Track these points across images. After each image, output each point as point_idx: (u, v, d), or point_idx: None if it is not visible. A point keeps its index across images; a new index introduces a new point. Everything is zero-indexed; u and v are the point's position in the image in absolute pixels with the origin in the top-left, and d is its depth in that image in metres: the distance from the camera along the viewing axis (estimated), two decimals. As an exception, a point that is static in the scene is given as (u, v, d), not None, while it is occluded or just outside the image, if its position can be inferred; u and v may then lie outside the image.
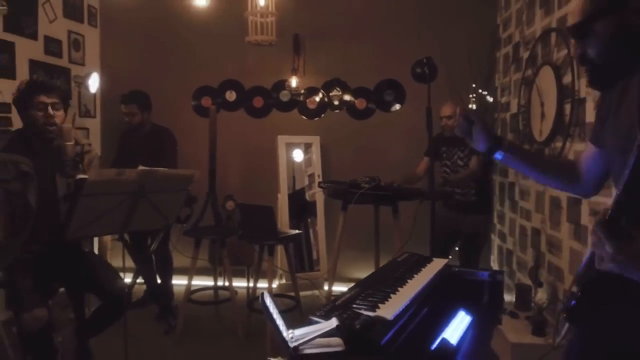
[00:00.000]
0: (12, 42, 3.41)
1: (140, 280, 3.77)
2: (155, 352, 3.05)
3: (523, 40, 3.56)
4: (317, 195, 4.21)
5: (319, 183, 3.33)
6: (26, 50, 3.55)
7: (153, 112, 3.80)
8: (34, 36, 3.63)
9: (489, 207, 3.51)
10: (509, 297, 3.48)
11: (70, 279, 1.98)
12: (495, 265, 4.06)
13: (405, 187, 3.01)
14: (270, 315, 1.10)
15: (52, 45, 3.85)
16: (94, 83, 3.75)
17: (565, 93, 2.75)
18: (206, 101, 4.46)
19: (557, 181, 1.44)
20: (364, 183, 2.89)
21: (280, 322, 1.11)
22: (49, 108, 2.01)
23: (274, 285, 4.15)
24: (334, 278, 3.21)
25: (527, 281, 3.04)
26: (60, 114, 2.04)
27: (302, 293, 3.69)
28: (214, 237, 3.32)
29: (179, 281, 3.91)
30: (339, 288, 4.14)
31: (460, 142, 3.30)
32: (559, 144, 2.77)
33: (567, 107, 2.71)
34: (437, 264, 1.75)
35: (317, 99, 4.42)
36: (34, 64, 3.63)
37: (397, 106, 4.34)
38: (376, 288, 1.46)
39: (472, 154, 3.27)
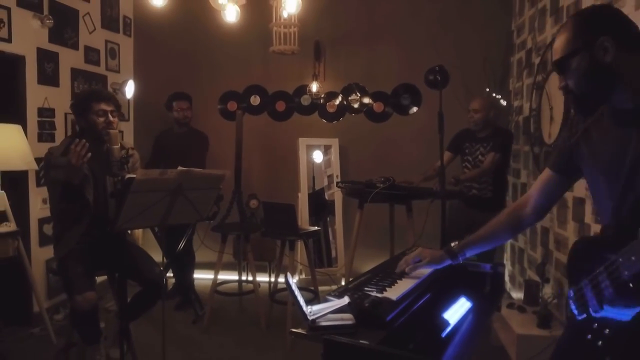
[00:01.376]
0: (56, 53, 3.72)
1: (169, 274, 4.04)
2: (185, 339, 3.30)
3: (535, 46, 3.69)
4: (336, 195, 4.41)
5: (337, 183, 3.53)
6: (69, 60, 3.86)
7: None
8: (75, 46, 3.94)
9: (502, 204, 3.65)
10: (519, 294, 3.62)
11: (115, 266, 2.23)
12: (508, 264, 4.19)
13: (418, 186, 3.18)
14: (292, 292, 1.31)
15: (91, 54, 4.15)
16: (129, 89, 4.04)
17: (572, 98, 2.88)
18: (232, 105, 4.72)
19: (506, 238, 1.69)
20: (379, 183, 3.08)
21: (301, 299, 1.32)
22: (109, 115, 2.29)
23: (295, 279, 4.37)
24: (350, 273, 3.40)
25: (537, 278, 3.18)
26: (116, 120, 2.32)
27: (320, 287, 3.90)
28: (239, 233, 3.56)
29: (206, 275, 4.18)
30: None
31: (483, 139, 3.48)
32: (566, 147, 2.90)
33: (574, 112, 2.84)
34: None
35: (337, 102, 4.62)
36: (75, 72, 3.94)
37: (414, 109, 4.50)
38: (385, 274, 1.66)
39: (492, 151, 3.42)
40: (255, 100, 4.75)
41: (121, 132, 4.68)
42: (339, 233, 4.36)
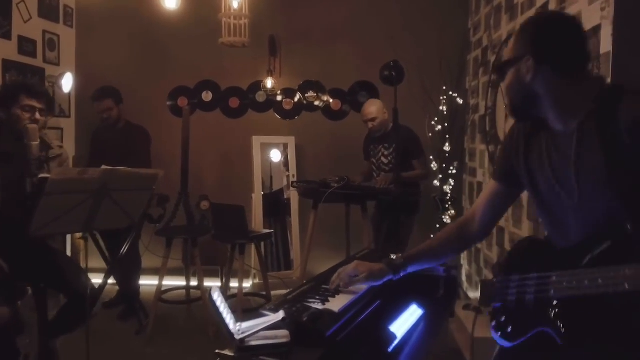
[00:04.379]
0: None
1: (112, 281, 3.76)
2: (125, 351, 3.07)
3: (491, 44, 3.66)
4: (293, 195, 4.26)
5: (292, 183, 3.39)
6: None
7: (130, 113, 3.83)
8: (7, 36, 3.62)
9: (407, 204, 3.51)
10: (476, 294, 3.58)
11: (35, 277, 2.00)
12: (465, 263, 4.17)
13: (375, 186, 3.08)
14: (216, 309, 1.14)
15: (26, 45, 3.83)
16: (67, 83, 3.75)
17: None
18: (182, 101, 4.48)
19: (452, 256, 1.61)
20: (334, 182, 2.95)
21: (227, 316, 1.16)
22: (37, 113, 2.08)
23: (248, 284, 4.20)
24: (304, 276, 3.26)
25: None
26: (44, 120, 2.08)
27: (275, 292, 3.74)
28: (186, 237, 3.35)
29: (151, 281, 3.92)
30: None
31: (383, 138, 3.39)
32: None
33: (528, 110, 2.80)
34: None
35: (293, 100, 4.47)
36: (7, 64, 3.61)
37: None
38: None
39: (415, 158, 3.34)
40: (207, 96, 4.53)
41: (60, 129, 4.36)
42: (295, 235, 4.21)
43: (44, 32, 4.06)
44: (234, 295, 3.22)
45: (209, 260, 4.09)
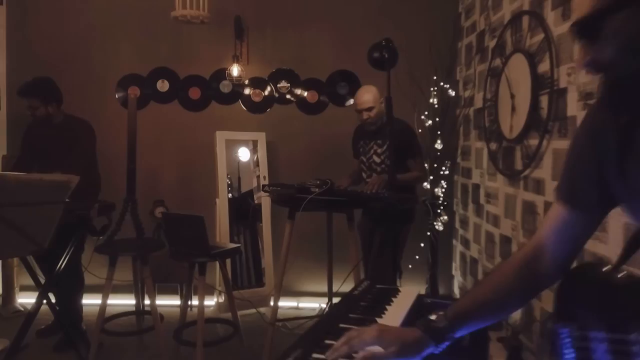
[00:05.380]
0: None
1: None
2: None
3: (489, 28, 3.23)
4: (264, 199, 3.72)
5: (264, 186, 2.84)
6: None
7: (73, 104, 3.20)
8: None
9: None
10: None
11: None
12: (457, 274, 3.73)
13: (363, 192, 2.57)
14: None
15: None
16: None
17: (541, 83, 2.42)
18: (134, 91, 3.84)
19: (516, 308, 1.07)
20: (314, 187, 2.44)
21: None
22: None
23: (212, 302, 3.63)
24: (279, 294, 2.73)
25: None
26: None
27: (243, 312, 3.21)
28: (133, 254, 2.76)
29: (96, 300, 3.29)
30: (287, 303, 3.70)
31: (376, 134, 2.89)
32: (533, 141, 2.43)
33: (544, 99, 2.37)
34: (407, 297, 1.34)
35: (263, 91, 3.93)
36: None
37: (351, 101, 3.91)
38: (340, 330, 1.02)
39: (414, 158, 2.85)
40: (163, 85, 3.93)
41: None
42: (267, 244, 3.67)
43: (-40, 4, 3.37)
44: (193, 323, 2.66)
45: (164, 276, 3.51)
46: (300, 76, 3.93)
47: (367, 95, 2.80)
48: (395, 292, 1.36)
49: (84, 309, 3.15)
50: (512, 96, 2.74)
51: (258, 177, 3.91)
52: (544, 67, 2.39)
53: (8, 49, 3.89)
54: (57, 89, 3.04)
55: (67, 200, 1.32)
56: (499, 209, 2.88)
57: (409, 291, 1.36)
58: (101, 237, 2.91)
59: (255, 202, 3.86)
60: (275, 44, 3.90)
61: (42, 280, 2.62)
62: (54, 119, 3.03)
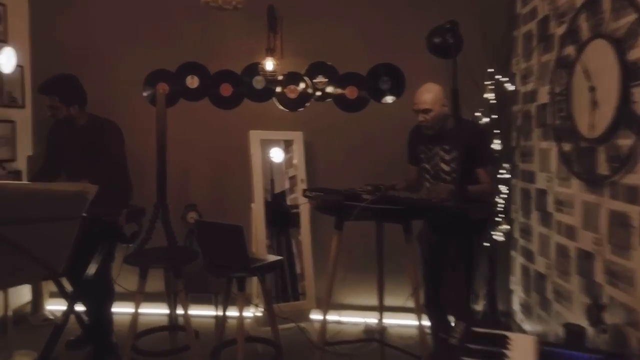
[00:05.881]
0: None
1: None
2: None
3: (554, 13, 2.86)
4: (300, 201, 3.42)
5: (304, 191, 2.55)
6: None
7: (98, 104, 3.00)
8: None
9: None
10: (537, 329, 2.80)
11: None
12: (518, 289, 3.37)
13: (425, 200, 2.24)
14: None
15: (-46, 12, 2.95)
16: (7, 60, 2.87)
17: (632, 73, 2.05)
18: (162, 88, 3.63)
19: None
20: (366, 193, 2.13)
21: None
22: None
23: (248, 313, 3.36)
24: (326, 311, 2.42)
25: (573, 317, 2.36)
26: None
27: (281, 326, 2.92)
28: (165, 266, 2.51)
29: (123, 308, 3.07)
30: (328, 317, 3.36)
31: (440, 138, 2.55)
32: (625, 141, 2.07)
33: (638, 92, 2.01)
34: (523, 345, 1.02)
35: (298, 87, 3.65)
36: None
37: (389, 99, 3.60)
38: None
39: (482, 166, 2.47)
40: (192, 82, 3.69)
41: (11, 122, 3.50)
42: (306, 254, 3.38)
43: (-17, -3, 3.19)
44: (231, 342, 2.39)
45: (198, 285, 3.25)
46: (338, 70, 3.63)
47: (427, 95, 2.45)
48: (504, 341, 1.05)
49: (114, 317, 2.94)
50: (592, 89, 2.37)
51: (291, 178, 3.64)
52: (635, 54, 2.03)
53: (32, 47, 3.71)
54: (80, 89, 2.84)
55: (84, 214, 1.05)
56: (574, 218, 2.52)
57: (522, 341, 1.05)
58: (131, 245, 2.68)
59: (288, 204, 3.58)
60: (311, 36, 3.61)
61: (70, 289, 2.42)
62: (78, 120, 2.84)
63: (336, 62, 3.62)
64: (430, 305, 2.55)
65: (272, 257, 2.39)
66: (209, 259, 2.31)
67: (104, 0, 3.66)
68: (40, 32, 3.70)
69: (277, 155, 3.62)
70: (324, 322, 2.36)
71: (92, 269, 2.49)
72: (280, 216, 3.50)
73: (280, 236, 3.54)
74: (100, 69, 3.60)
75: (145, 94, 3.68)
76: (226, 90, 3.68)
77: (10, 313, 3.01)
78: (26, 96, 3.69)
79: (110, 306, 2.92)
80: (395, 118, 3.48)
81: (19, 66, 3.46)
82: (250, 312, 3.34)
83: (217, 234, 2.21)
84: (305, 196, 2.59)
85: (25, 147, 3.67)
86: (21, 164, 3.60)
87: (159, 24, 3.64)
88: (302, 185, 3.36)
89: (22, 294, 3.58)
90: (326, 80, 3.65)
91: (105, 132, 2.87)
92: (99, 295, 2.79)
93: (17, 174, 3.53)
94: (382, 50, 3.55)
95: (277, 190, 3.65)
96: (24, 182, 1.73)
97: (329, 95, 3.64)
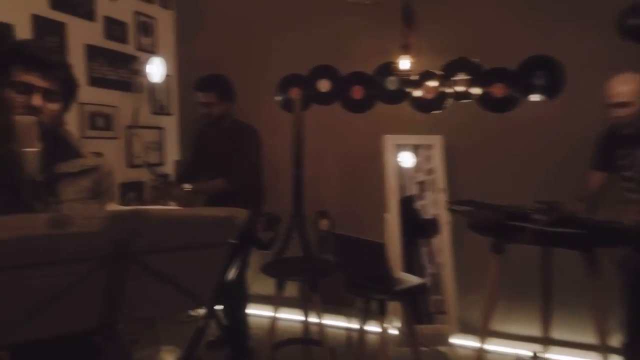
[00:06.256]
0: (63, 23, 2.79)
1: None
2: None
3: None
4: (440, 209, 3.09)
5: (448, 204, 2.24)
6: (81, 33, 2.92)
7: (238, 110, 3.05)
8: (89, 16, 3.00)
9: None
10: None
11: None
12: None
13: (614, 222, 1.79)
14: None
15: (114, 29, 3.21)
16: (157, 70, 3.02)
17: None
18: (294, 93, 3.58)
19: None
20: (537, 213, 1.75)
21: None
22: (37, 96, 1.16)
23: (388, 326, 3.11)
24: (483, 342, 2.08)
25: None
26: (53, 108, 1.21)
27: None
28: (302, 279, 2.38)
29: (258, 310, 3.05)
30: (468, 342, 3.01)
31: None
32: None
33: None
34: None
35: (436, 85, 3.32)
36: (92, 50, 3.01)
37: (536, 97, 3.08)
38: None
39: None
40: (323, 85, 3.58)
41: (160, 128, 3.73)
42: (446, 270, 3.04)
43: (137, 13, 3.42)
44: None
45: (330, 297, 3.11)
46: (482, 65, 3.22)
47: (624, 87, 2.01)
48: None
49: (251, 319, 2.95)
50: None
51: (419, 183, 3.33)
52: None
53: (178, 55, 3.93)
54: (232, 90, 2.92)
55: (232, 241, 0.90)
56: None
57: None
58: (267, 251, 2.63)
59: (418, 210, 3.26)
60: (450, 29, 3.26)
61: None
62: (225, 121, 2.89)
63: (479, 57, 3.22)
64: (636, 347, 2.06)
65: (415, 279, 2.11)
66: (346, 275, 2.12)
67: (238, 14, 3.73)
68: (184, 43, 3.91)
69: (406, 159, 3.33)
70: (481, 352, 2.02)
71: (230, 274, 2.51)
72: (412, 225, 3.20)
73: (408, 246, 3.24)
74: (236, 76, 3.66)
75: (277, 98, 3.67)
76: (357, 92, 3.50)
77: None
78: (173, 104, 3.91)
79: (244, 309, 2.95)
80: (551, 121, 2.98)
81: (167, 75, 3.67)
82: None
83: (357, 250, 2.01)
84: (450, 210, 2.27)
85: (172, 152, 3.90)
86: (169, 168, 3.83)
87: (290, 29, 3.60)
88: (442, 196, 3.03)
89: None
90: (468, 77, 3.27)
91: (245, 135, 2.90)
92: (236, 299, 2.82)
93: (165, 178, 3.76)
94: (536, 40, 3.06)
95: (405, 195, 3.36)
96: (170, 206, 1.71)
97: (471, 94, 3.25)
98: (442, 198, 2.99)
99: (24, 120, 1.07)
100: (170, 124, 3.91)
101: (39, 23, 2.62)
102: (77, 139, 1.30)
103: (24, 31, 2.52)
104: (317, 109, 3.56)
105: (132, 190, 3.43)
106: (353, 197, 3.46)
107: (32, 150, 1.03)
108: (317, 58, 3.56)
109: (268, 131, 3.28)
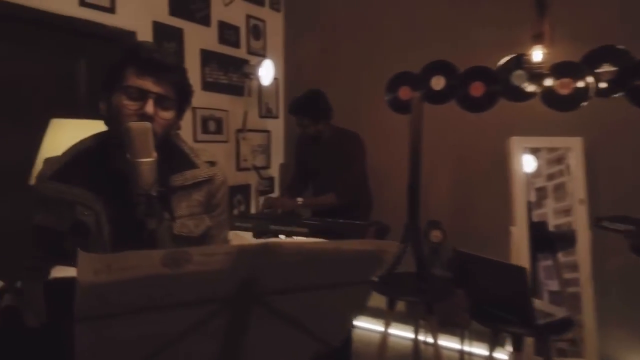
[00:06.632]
0: (180, 29, 2.86)
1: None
2: None
3: None
4: (577, 223, 2.66)
5: (597, 220, 1.86)
6: (197, 38, 2.98)
7: (342, 115, 2.94)
8: (205, 21, 3.05)
9: None
10: None
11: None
12: None
13: None
14: None
15: (227, 33, 3.24)
16: (267, 72, 2.99)
17: None
18: (405, 92, 3.35)
19: None
20: None
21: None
22: (151, 103, 1.04)
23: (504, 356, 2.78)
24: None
25: None
26: (167, 116, 1.09)
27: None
28: (417, 301, 2.15)
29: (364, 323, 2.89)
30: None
31: None
32: None
33: None
34: None
35: (574, 80, 2.87)
36: (206, 55, 3.06)
37: None
38: None
39: None
40: (437, 82, 3.30)
41: (266, 132, 3.72)
42: (585, 295, 2.60)
43: (248, 17, 3.44)
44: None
45: (445, 317, 2.83)
46: (632, 54, 2.72)
47: None
48: None
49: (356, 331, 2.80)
50: None
51: (538, 189, 2.90)
52: None
53: (285, 57, 3.89)
54: (326, 105, 2.83)
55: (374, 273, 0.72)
56: None
57: None
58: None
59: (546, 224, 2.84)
60: (591, 11, 2.79)
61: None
62: (323, 135, 2.82)
63: (628, 43, 2.72)
64: None
65: (558, 310, 1.77)
66: (472, 298, 1.85)
67: (345, 12, 3.59)
68: (292, 46, 3.87)
69: (529, 163, 2.92)
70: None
71: None
72: (539, 238, 2.79)
73: (534, 263, 2.83)
74: (344, 78, 3.55)
75: (386, 98, 3.47)
76: (477, 89, 3.16)
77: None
78: (280, 107, 3.90)
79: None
80: None
81: (275, 79, 3.65)
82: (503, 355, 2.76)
83: (488, 272, 1.74)
84: (600, 227, 1.89)
85: (278, 155, 3.89)
86: (274, 171, 3.82)
87: (401, 24, 3.38)
88: (581, 208, 2.60)
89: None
90: (614, 69, 2.77)
91: (347, 144, 2.82)
92: None
93: (270, 181, 3.75)
94: None
95: (535, 209, 2.94)
96: (305, 239, 1.62)
97: (619, 88, 2.76)
98: (582, 211, 2.55)
99: (138, 126, 0.96)
100: (277, 127, 3.89)
101: (159, 29, 2.70)
102: (192, 148, 1.21)
103: (145, 38, 2.62)
104: (429, 109, 3.25)
105: (239, 194, 3.45)
106: (470, 206, 3.14)
107: (147, 160, 0.94)
108: (431, 53, 3.29)
109: (375, 134, 3.11)
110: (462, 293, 2.00)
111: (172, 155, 1.15)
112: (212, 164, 1.20)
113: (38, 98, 2.23)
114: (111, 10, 2.43)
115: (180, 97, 1.12)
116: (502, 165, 2.91)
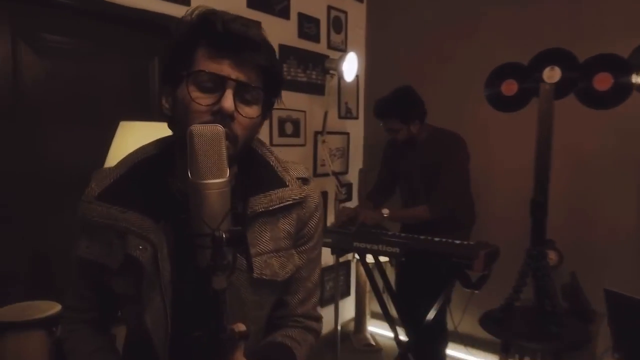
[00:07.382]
0: (258, 22, 2.63)
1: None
2: None
3: None
4: None
5: None
6: (276, 33, 2.74)
7: (435, 113, 2.56)
8: (285, 14, 2.80)
9: None
10: None
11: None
12: None
13: None
14: None
15: (307, 26, 2.97)
16: (350, 67, 2.67)
17: None
18: (509, 87, 2.87)
19: None
20: None
21: None
22: (227, 93, 0.74)
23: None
24: None
25: None
26: (251, 113, 0.79)
27: None
28: (544, 348, 1.71)
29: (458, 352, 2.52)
30: None
31: None
32: None
33: None
34: None
35: None
36: (285, 51, 2.81)
37: None
38: None
39: None
40: (552, 74, 2.78)
41: (346, 134, 3.41)
42: None
43: (329, 8, 3.15)
44: None
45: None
46: None
47: None
48: None
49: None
50: None
51: None
52: None
53: (368, 52, 3.56)
54: (418, 102, 2.44)
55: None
56: None
57: None
58: (476, 292, 2.06)
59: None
60: None
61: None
62: (418, 137, 2.44)
63: None
64: None
65: None
66: (624, 352, 1.41)
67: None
68: (375, 39, 3.53)
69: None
70: None
71: (431, 314, 2.08)
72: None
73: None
74: (435, 71, 3.15)
75: (487, 91, 3.02)
76: (603, 82, 2.62)
77: (339, 328, 2.86)
78: (360, 106, 3.58)
79: (444, 346, 2.51)
80: None
81: (355, 76, 3.34)
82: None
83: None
84: None
85: (357, 160, 3.57)
86: (352, 177, 3.51)
87: (502, 9, 2.92)
88: None
89: (347, 310, 3.49)
90: None
91: (446, 147, 2.42)
92: (435, 338, 2.39)
93: (348, 187, 3.44)
94: None
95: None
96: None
97: None
98: None
99: (204, 131, 0.66)
100: (356, 129, 3.57)
101: (236, 23, 2.49)
102: (279, 159, 0.90)
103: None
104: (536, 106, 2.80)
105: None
106: (590, 221, 2.62)
107: (216, 182, 0.64)
108: (542, 41, 2.80)
109: (475, 136, 2.69)
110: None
111: (254, 169, 0.86)
112: (304, 181, 0.89)
113: (109, 98, 2.09)
114: (187, 2, 2.24)
115: (269, 87, 0.81)
116: (635, 171, 2.38)
